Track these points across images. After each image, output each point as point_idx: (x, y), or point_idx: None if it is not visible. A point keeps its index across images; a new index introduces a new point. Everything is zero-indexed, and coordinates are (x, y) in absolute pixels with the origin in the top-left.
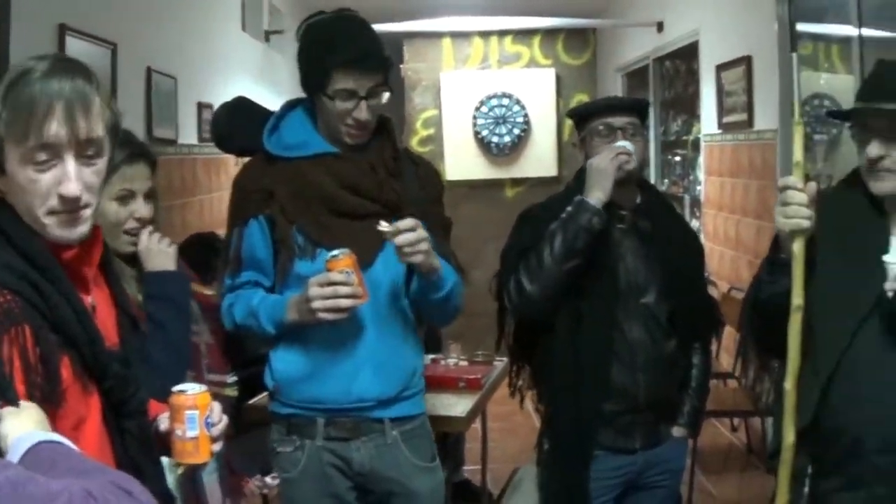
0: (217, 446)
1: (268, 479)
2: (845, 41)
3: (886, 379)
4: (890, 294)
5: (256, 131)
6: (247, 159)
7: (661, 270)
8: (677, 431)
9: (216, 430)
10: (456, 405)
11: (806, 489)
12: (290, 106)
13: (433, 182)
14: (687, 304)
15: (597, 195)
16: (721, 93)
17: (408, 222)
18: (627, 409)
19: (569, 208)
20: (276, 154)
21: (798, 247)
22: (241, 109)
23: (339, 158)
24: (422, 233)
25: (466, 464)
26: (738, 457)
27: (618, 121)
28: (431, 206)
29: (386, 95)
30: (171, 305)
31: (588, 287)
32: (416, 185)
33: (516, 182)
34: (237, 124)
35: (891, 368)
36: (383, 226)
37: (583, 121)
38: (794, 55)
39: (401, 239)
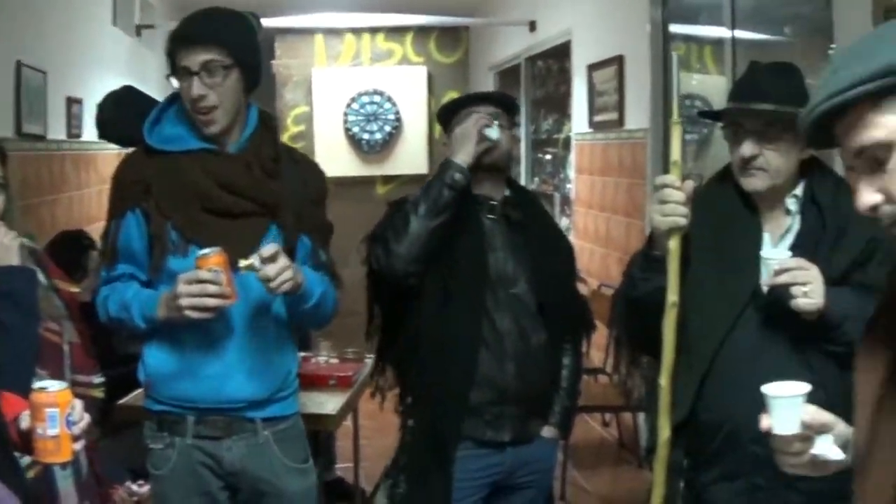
0: (78, 445)
1: (134, 487)
2: (718, 43)
3: (761, 372)
4: (765, 289)
5: (140, 122)
6: (130, 150)
7: (530, 262)
8: (548, 431)
9: (77, 429)
10: (327, 403)
11: (682, 483)
12: (172, 99)
13: (315, 182)
14: (556, 298)
15: (461, 156)
16: (592, 92)
17: (268, 250)
18: (496, 400)
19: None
20: (155, 147)
21: (674, 244)
22: (128, 99)
23: (216, 155)
24: (283, 262)
25: (338, 461)
26: (611, 451)
27: (483, 117)
28: (311, 208)
29: (231, 75)
30: (11, 303)
31: (458, 276)
32: (295, 185)
33: (387, 179)
34: (121, 113)
35: (765, 362)
36: (242, 264)
37: (451, 115)
38: (675, 55)
39: (262, 274)
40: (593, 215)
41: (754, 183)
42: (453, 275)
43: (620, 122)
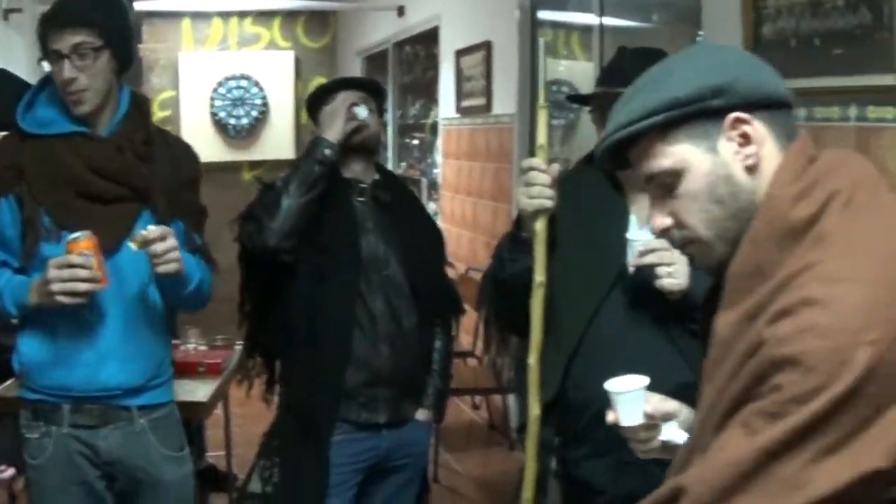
0: None
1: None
2: (586, 29)
3: (628, 350)
4: (631, 269)
5: (12, 106)
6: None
7: (400, 244)
8: (421, 414)
9: None
10: (197, 391)
11: (554, 460)
12: (44, 82)
13: (188, 167)
14: (426, 280)
15: (330, 133)
16: (460, 77)
17: (155, 231)
18: (370, 382)
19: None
20: (28, 131)
21: (541, 226)
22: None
23: (88, 139)
24: (171, 242)
25: (209, 450)
26: (481, 433)
27: (352, 95)
28: (184, 193)
29: (102, 57)
30: None
31: (330, 258)
32: (168, 168)
33: (254, 165)
34: None
35: (632, 340)
36: (133, 240)
37: (320, 102)
38: (542, 41)
39: (151, 250)
40: (460, 200)
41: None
42: (326, 257)
43: (488, 107)
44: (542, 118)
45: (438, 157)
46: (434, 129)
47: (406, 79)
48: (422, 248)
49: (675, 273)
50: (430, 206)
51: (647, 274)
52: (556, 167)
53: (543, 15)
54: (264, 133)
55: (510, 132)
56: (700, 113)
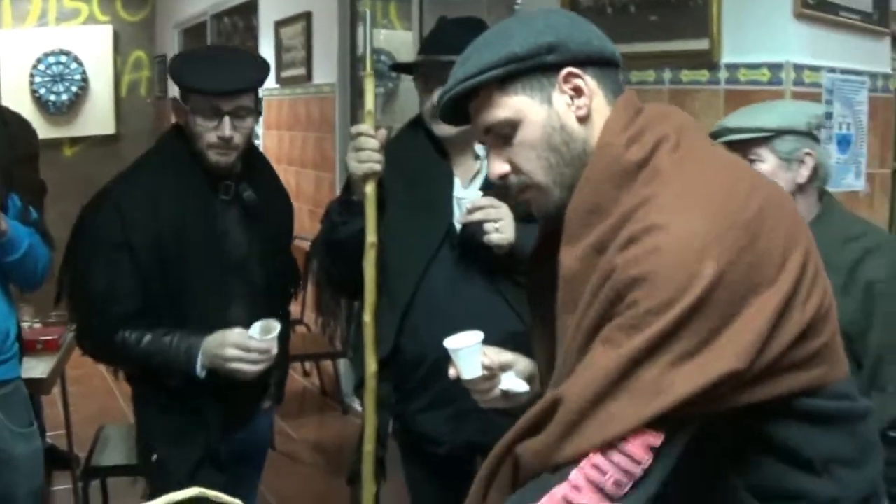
0: None
1: None
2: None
3: (459, 304)
4: (459, 227)
5: None
6: None
7: (261, 240)
8: (266, 403)
9: None
10: (36, 367)
11: (391, 415)
12: None
13: (25, 142)
14: (279, 270)
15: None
16: (280, 48)
17: None
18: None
19: None
20: None
21: (370, 188)
22: None
23: None
24: None
25: (48, 430)
26: (314, 400)
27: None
28: (20, 168)
29: None
30: None
31: (192, 266)
32: (3, 143)
33: (75, 141)
34: None
35: (462, 294)
36: None
37: None
38: (369, 12)
39: None
40: (283, 170)
41: (446, 129)
42: (188, 270)
43: (308, 77)
44: (369, 86)
45: (259, 128)
46: None
47: None
48: (279, 239)
49: (501, 228)
50: None
51: (474, 230)
52: (383, 132)
53: None
54: (84, 109)
55: (331, 101)
56: (536, 68)
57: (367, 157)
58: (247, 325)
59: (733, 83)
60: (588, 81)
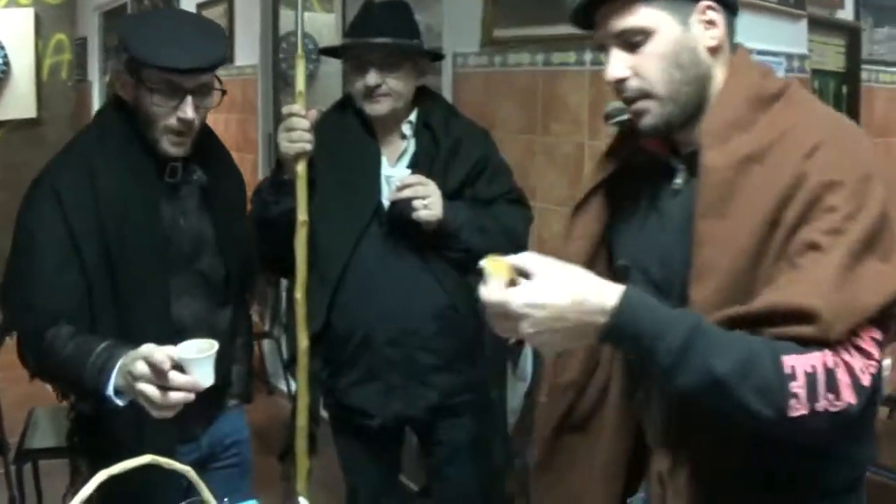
0: None
1: None
2: None
3: (389, 280)
4: (387, 204)
5: None
6: None
7: (215, 227)
8: (232, 401)
9: None
10: None
11: (322, 390)
12: None
13: None
14: (238, 258)
15: None
16: None
17: None
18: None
19: None
20: None
21: (301, 167)
22: None
23: None
24: None
25: None
26: None
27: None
28: None
29: None
30: None
31: (134, 259)
32: None
33: None
34: None
35: (391, 270)
36: None
37: None
38: None
39: None
40: None
41: (378, 108)
42: (128, 263)
43: (231, 59)
44: (300, 67)
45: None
46: None
47: None
48: (237, 225)
49: (429, 205)
50: None
51: (403, 207)
52: (313, 113)
53: None
54: (6, 93)
55: (253, 83)
56: None
57: (299, 136)
58: (201, 325)
59: (598, 64)
60: (720, 20)
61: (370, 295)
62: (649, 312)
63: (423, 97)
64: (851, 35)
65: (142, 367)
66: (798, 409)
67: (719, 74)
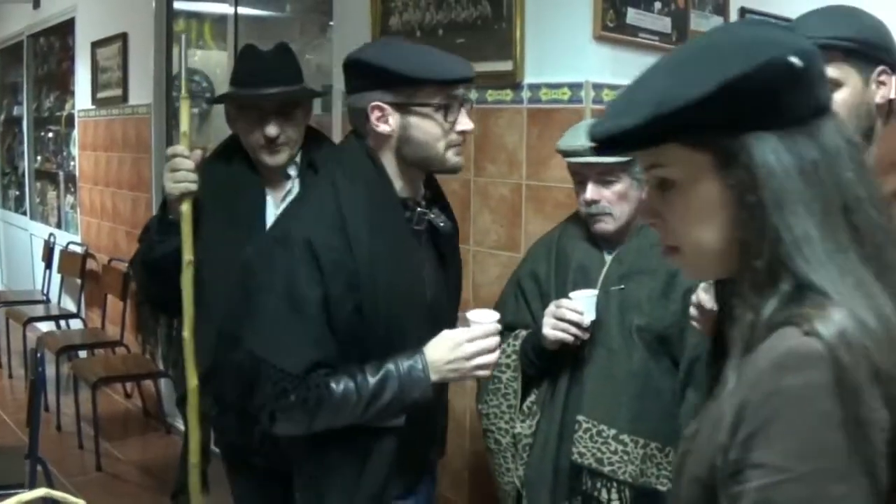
0: None
1: None
2: (220, 19)
3: None
4: None
5: None
6: None
7: (449, 277)
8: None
9: None
10: None
11: (212, 428)
12: None
13: None
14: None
15: None
16: (96, 69)
17: None
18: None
19: None
20: None
21: (186, 208)
22: None
23: None
24: None
25: None
26: (137, 420)
27: None
28: None
29: None
30: None
31: (385, 316)
32: None
33: None
34: None
35: None
36: None
37: None
38: (184, 36)
39: None
40: (99, 191)
41: (279, 158)
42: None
43: (124, 97)
44: (184, 108)
45: (75, 150)
46: (70, 120)
47: (41, 71)
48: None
49: None
50: (69, 199)
51: None
52: (198, 153)
53: (179, 5)
54: None
55: (147, 122)
56: (870, 55)
57: (183, 177)
58: None
59: (535, 102)
60: (890, 81)
61: None
62: None
63: (308, 136)
64: None
65: (471, 347)
66: None
67: (879, 125)
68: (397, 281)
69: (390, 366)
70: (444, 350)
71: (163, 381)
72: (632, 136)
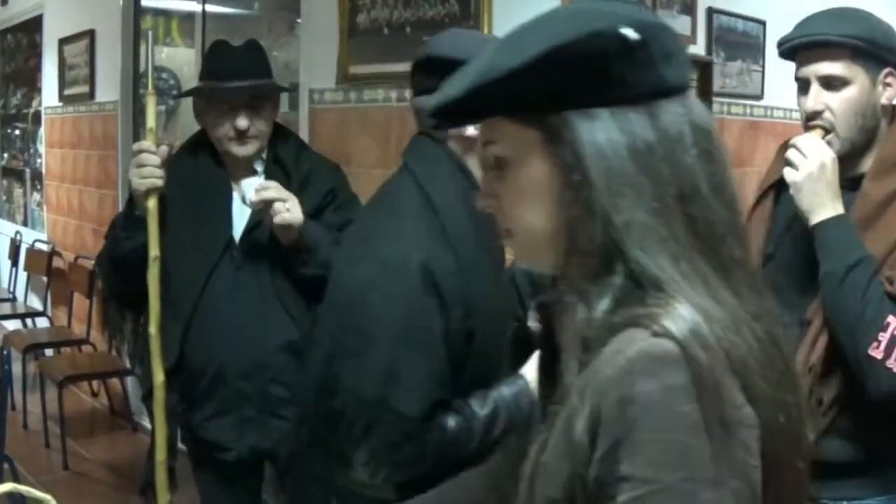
0: None
1: None
2: (188, 16)
3: (240, 314)
4: (250, 203)
5: None
6: None
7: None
8: None
9: None
10: None
11: (179, 424)
12: None
13: None
14: None
15: None
16: (63, 66)
17: None
18: None
19: None
20: None
21: (152, 203)
22: None
23: None
24: None
25: None
26: (104, 419)
27: None
28: None
29: None
30: None
31: (493, 340)
32: None
33: None
34: None
35: (243, 304)
36: None
37: None
38: (150, 33)
39: None
40: (66, 188)
41: (248, 149)
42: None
43: (91, 95)
44: (150, 104)
45: (42, 147)
46: (37, 118)
47: (8, 68)
48: None
49: (291, 208)
50: (35, 197)
51: (256, 238)
52: (164, 149)
53: (147, 2)
54: None
55: (114, 119)
56: (878, 56)
57: (149, 172)
58: None
59: None
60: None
61: (222, 329)
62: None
63: (274, 132)
64: (703, 69)
65: None
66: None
67: (884, 125)
68: (500, 302)
69: (496, 395)
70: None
71: (129, 379)
72: (457, 107)
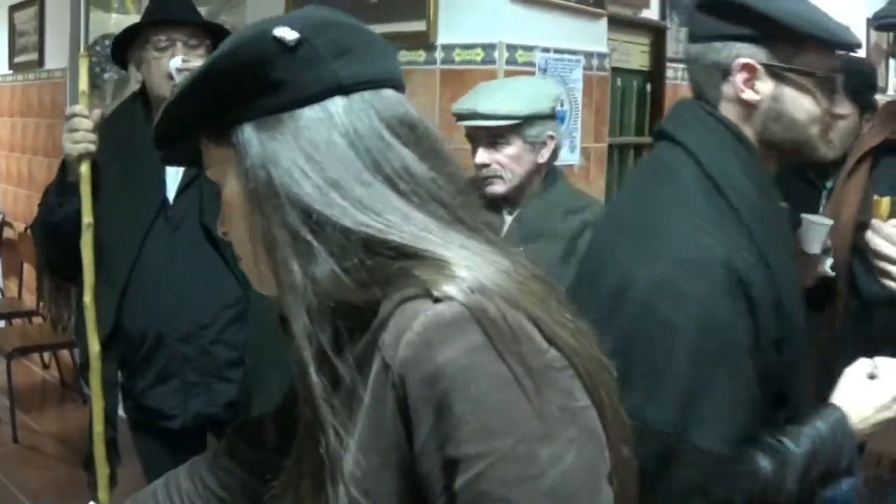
0: None
1: None
2: None
3: (177, 275)
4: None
5: None
6: None
7: None
8: None
9: None
10: None
11: (119, 395)
12: None
13: None
14: None
15: None
16: (14, 33)
17: None
18: None
19: None
20: None
21: (85, 169)
22: None
23: None
24: None
25: None
26: (55, 391)
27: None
28: None
29: None
30: None
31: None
32: None
33: None
34: None
35: (179, 265)
36: None
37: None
38: None
39: None
40: (15, 158)
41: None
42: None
43: (41, 62)
44: (83, 66)
45: None
46: None
47: None
48: None
49: None
50: None
51: (190, 196)
52: (97, 112)
53: None
54: None
55: (62, 86)
56: None
57: (82, 137)
58: None
59: (449, 63)
60: None
61: (158, 293)
62: None
63: None
64: (656, 34)
65: None
66: None
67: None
68: (801, 302)
69: (810, 430)
70: (866, 400)
71: (77, 352)
72: (164, 131)
